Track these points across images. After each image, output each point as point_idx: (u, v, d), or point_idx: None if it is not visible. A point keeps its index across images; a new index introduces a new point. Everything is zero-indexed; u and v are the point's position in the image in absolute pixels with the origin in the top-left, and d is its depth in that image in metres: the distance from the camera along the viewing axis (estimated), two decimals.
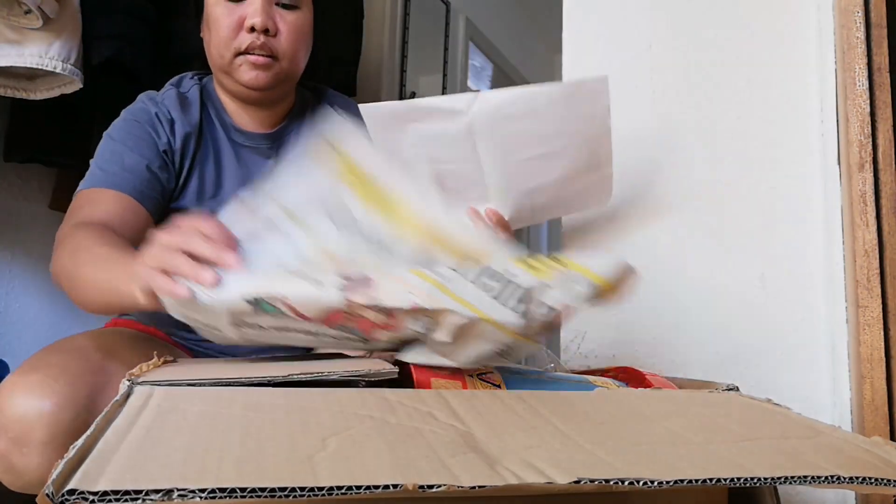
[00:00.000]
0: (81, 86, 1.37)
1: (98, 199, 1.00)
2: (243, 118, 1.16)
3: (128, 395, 0.52)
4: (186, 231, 0.69)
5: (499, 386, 0.71)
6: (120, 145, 1.06)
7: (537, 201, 1.02)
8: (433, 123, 0.95)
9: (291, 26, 1.08)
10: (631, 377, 0.80)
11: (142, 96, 1.13)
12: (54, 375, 0.76)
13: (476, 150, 0.96)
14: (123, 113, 1.11)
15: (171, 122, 1.09)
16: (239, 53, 1.06)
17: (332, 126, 0.78)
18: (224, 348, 1.12)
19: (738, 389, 0.71)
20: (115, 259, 0.81)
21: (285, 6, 1.08)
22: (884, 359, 0.91)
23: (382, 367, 0.68)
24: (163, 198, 1.07)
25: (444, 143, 0.97)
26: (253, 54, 1.06)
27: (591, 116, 0.94)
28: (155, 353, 0.75)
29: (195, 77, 1.17)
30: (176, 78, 1.17)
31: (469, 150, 0.96)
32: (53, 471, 0.30)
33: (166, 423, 0.43)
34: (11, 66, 1.28)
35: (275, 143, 1.16)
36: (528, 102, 0.92)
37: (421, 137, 0.97)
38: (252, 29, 1.05)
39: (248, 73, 1.07)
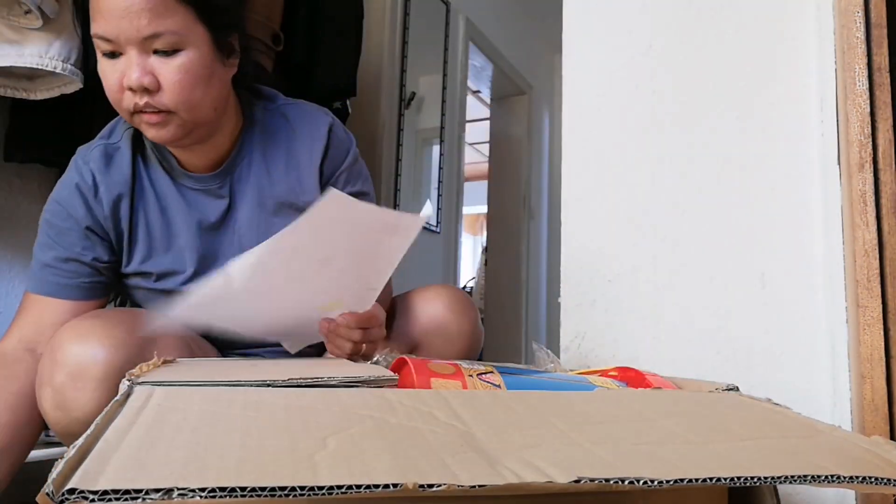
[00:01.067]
0: (81, 86, 1.37)
1: (28, 307, 1.03)
2: (188, 157, 1.06)
3: (128, 394, 0.52)
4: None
5: (499, 386, 0.71)
6: (45, 236, 1.04)
7: (370, 278, 0.97)
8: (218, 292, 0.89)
9: (175, 74, 0.94)
10: (631, 377, 0.79)
11: (74, 158, 1.07)
12: (112, 324, 0.86)
13: (276, 292, 0.92)
14: (54, 190, 1.06)
15: (95, 189, 1.03)
16: (132, 112, 0.96)
17: None
18: (247, 348, 1.12)
19: (738, 389, 0.71)
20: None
21: (164, 53, 0.94)
22: (884, 359, 0.91)
23: (383, 373, 0.68)
24: (100, 271, 1.04)
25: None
26: (145, 113, 0.95)
27: (346, 220, 0.87)
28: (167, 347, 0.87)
29: (126, 125, 1.07)
30: (109, 125, 1.10)
31: (272, 293, 0.92)
32: (53, 470, 0.30)
33: (166, 422, 0.43)
34: (11, 66, 1.28)
35: (224, 180, 1.07)
36: (279, 246, 0.84)
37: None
38: (131, 88, 0.93)
39: (150, 131, 0.97)
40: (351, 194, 1.00)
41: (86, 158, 1.05)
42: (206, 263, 1.06)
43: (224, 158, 1.07)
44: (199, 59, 0.96)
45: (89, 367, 0.82)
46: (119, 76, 0.93)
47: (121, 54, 0.93)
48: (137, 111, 0.95)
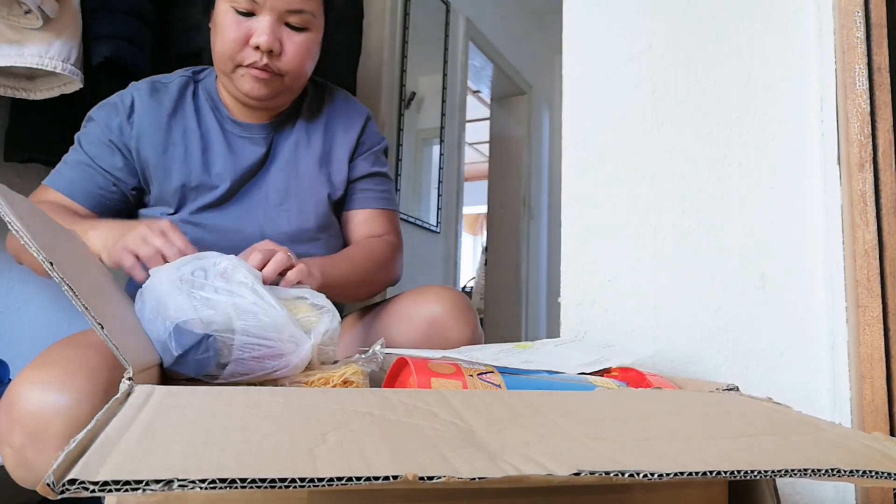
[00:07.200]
0: (81, 86, 1.37)
1: (44, 194, 1.11)
2: (240, 112, 1.18)
3: (128, 393, 0.52)
4: (167, 239, 0.89)
5: (499, 386, 0.71)
6: (76, 144, 1.14)
7: None
8: None
9: (298, 47, 1.10)
10: (631, 377, 0.79)
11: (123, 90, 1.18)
12: (72, 370, 0.75)
13: None
14: (92, 109, 1.17)
15: (131, 111, 1.12)
16: (241, 66, 1.09)
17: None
18: None
19: (738, 389, 0.71)
20: (81, 227, 0.96)
21: (294, 28, 1.09)
22: (884, 359, 0.91)
23: None
24: (115, 187, 1.12)
25: None
26: (255, 68, 1.08)
27: None
28: None
29: (191, 70, 1.20)
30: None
31: None
32: (54, 462, 0.30)
33: (167, 418, 0.43)
34: (11, 66, 1.28)
35: (269, 133, 1.19)
36: None
37: None
38: (257, 47, 1.06)
39: (249, 83, 1.10)
40: (374, 173, 1.26)
41: (132, 87, 1.16)
42: (236, 201, 1.16)
43: (273, 118, 1.20)
44: (315, 40, 1.14)
45: (49, 426, 0.72)
46: (245, 33, 1.07)
47: (253, 15, 1.07)
48: (248, 66, 1.08)
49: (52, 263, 0.54)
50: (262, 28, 1.06)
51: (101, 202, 1.12)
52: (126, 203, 1.15)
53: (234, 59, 1.08)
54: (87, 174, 1.11)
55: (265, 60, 1.07)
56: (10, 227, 0.53)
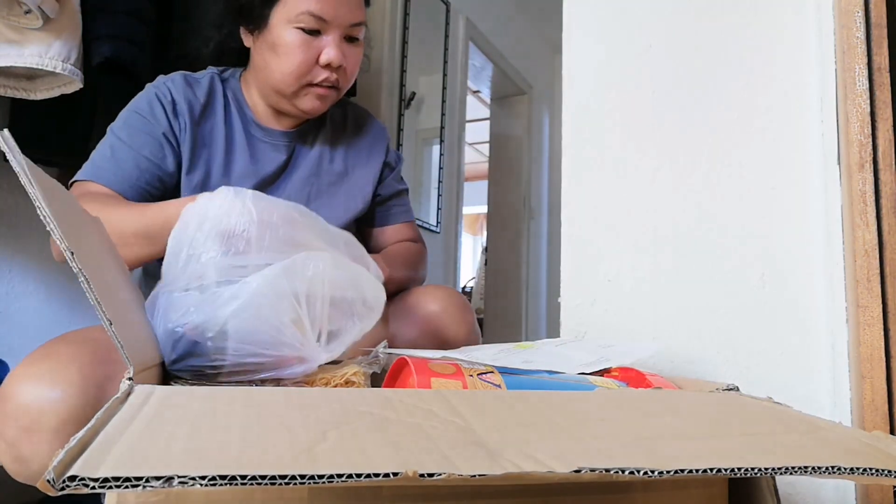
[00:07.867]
0: (81, 86, 1.37)
1: (88, 189, 1.03)
2: (268, 118, 1.18)
3: (128, 393, 0.52)
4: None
5: (499, 386, 0.71)
6: (115, 138, 1.09)
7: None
8: None
9: (354, 59, 1.13)
10: (631, 377, 0.79)
11: (149, 84, 1.14)
12: (64, 364, 0.75)
13: None
14: (126, 107, 1.13)
15: (173, 104, 1.11)
16: (308, 84, 1.10)
17: None
18: None
19: (738, 389, 0.71)
20: (143, 205, 0.94)
21: (352, 40, 1.11)
22: (884, 359, 0.91)
23: None
24: (160, 181, 1.08)
25: None
26: (321, 87, 1.10)
27: None
28: None
29: (217, 70, 1.20)
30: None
31: None
32: (54, 459, 0.30)
33: (167, 416, 0.44)
34: (11, 66, 1.28)
35: (292, 141, 1.19)
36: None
37: None
38: (328, 64, 1.08)
39: (312, 102, 1.11)
40: (402, 191, 1.32)
41: (162, 81, 1.14)
42: None
43: (296, 126, 1.20)
44: (362, 50, 1.16)
45: (42, 419, 0.72)
46: (314, 52, 1.08)
47: (320, 33, 1.07)
48: (316, 84, 1.09)
49: (72, 253, 0.53)
50: (331, 46, 1.08)
51: (151, 194, 1.08)
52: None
53: (304, 78, 1.09)
54: (136, 169, 1.06)
55: (335, 76, 1.10)
56: (39, 211, 0.53)
